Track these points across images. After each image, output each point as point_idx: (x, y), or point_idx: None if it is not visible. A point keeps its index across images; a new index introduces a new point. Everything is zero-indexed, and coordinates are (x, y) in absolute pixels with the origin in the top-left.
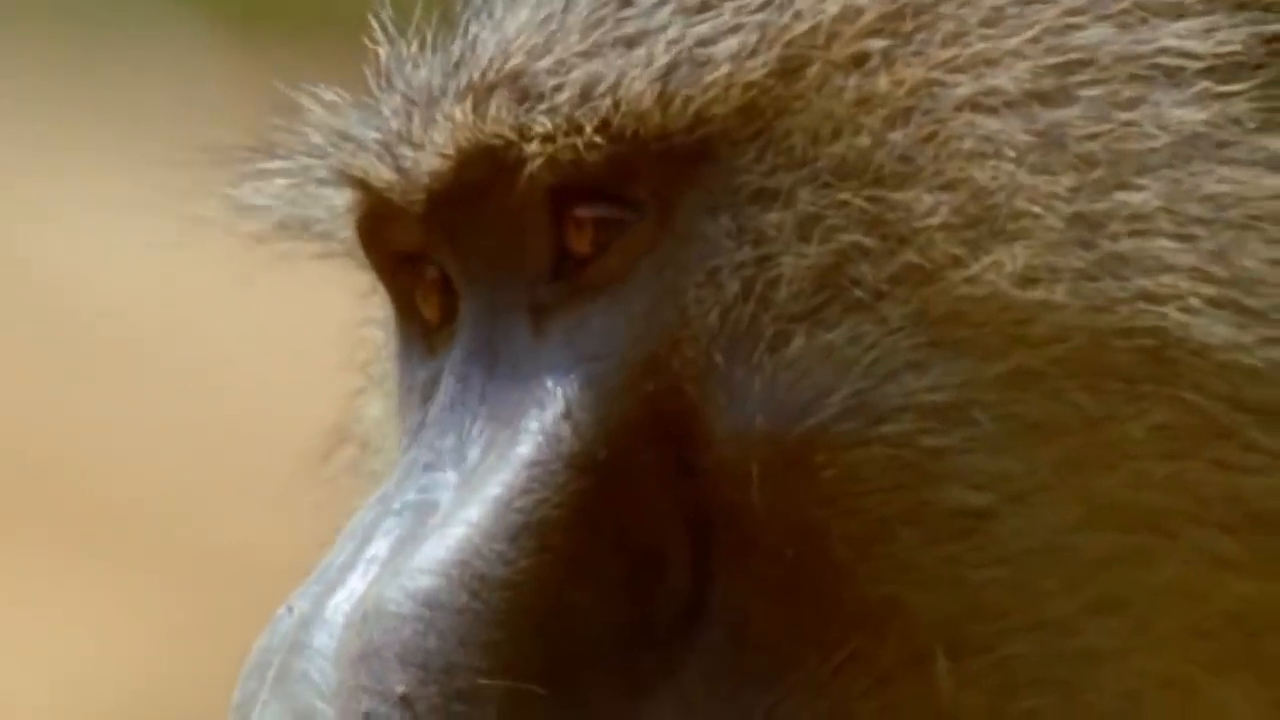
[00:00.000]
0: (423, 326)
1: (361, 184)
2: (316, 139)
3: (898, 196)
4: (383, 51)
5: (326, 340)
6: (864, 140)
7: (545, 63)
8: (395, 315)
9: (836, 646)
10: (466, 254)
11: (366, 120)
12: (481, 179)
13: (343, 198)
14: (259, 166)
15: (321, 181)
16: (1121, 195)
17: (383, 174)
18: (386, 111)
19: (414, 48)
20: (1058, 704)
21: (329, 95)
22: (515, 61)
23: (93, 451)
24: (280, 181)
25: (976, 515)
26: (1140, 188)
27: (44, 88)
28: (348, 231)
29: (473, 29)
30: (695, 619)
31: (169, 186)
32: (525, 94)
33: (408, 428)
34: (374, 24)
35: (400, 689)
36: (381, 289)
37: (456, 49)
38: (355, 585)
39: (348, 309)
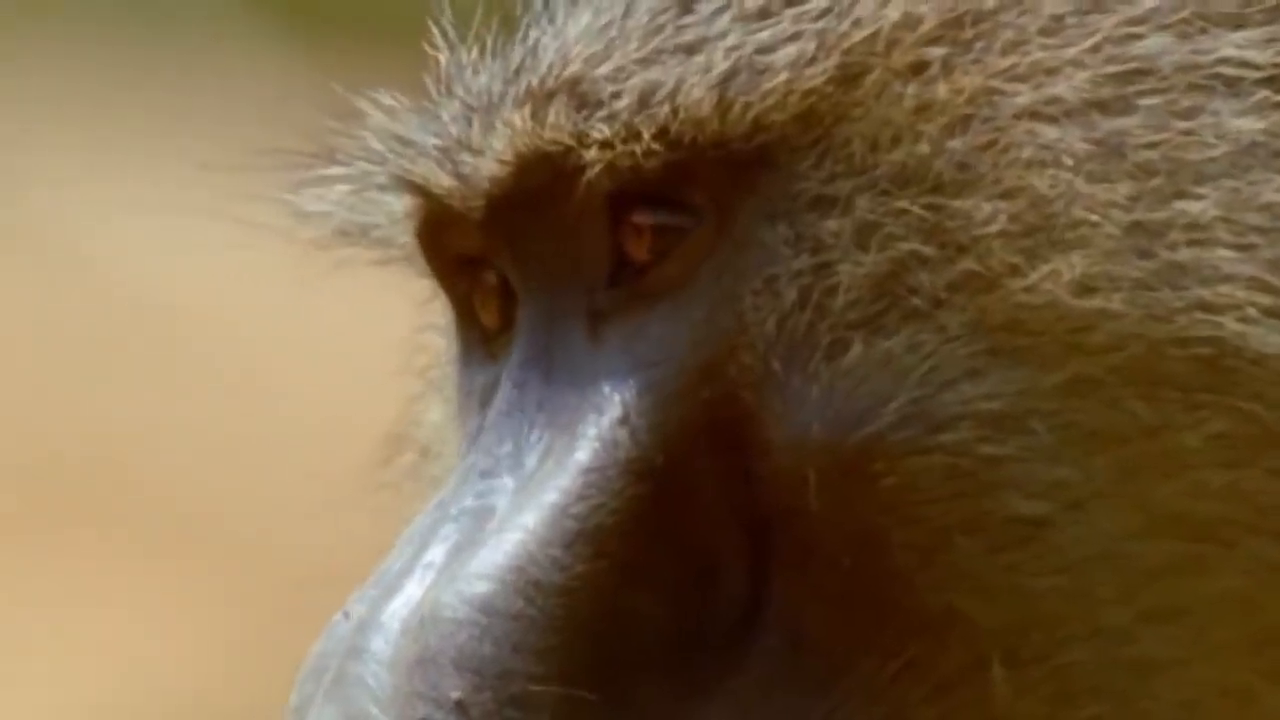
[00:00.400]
0: (482, 332)
1: (421, 190)
2: (376, 144)
3: (956, 204)
4: (443, 57)
5: (386, 345)
6: (923, 148)
7: (604, 69)
8: (455, 320)
9: (894, 653)
10: (525, 260)
11: (426, 126)
12: (540, 185)
13: (402, 203)
14: (318, 172)
15: (381, 187)
16: (1180, 204)
17: (442, 180)
18: (446, 117)
19: (474, 53)
20: (1114, 712)
21: (388, 100)
22: (574, 68)
23: (151, 454)
24: (340, 187)
25: (1034, 523)
26: (1198, 197)
27: (103, 91)
28: (407, 237)
29: (533, 35)
30: (751, 625)
31: (228, 191)
32: (584, 100)
33: (466, 433)
34: (434, 29)
35: (455, 695)
36: (441, 295)
37: (516, 55)
38: (412, 591)
39: (407, 315)
